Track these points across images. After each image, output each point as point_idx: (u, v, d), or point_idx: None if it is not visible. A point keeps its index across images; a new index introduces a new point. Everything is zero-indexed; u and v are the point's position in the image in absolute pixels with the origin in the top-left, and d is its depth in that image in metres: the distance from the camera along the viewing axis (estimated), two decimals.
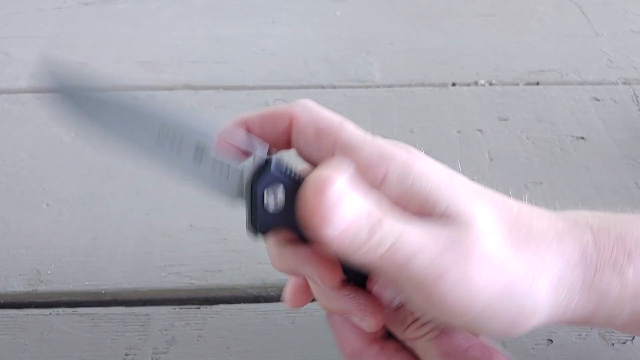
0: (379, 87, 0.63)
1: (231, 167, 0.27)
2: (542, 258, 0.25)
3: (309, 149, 0.27)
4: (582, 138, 0.57)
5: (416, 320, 0.28)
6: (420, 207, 0.24)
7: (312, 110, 0.27)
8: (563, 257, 0.25)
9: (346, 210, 0.22)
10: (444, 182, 0.25)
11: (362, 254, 0.23)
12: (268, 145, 0.27)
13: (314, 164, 0.27)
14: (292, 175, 0.27)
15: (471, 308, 0.24)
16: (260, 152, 0.27)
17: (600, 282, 0.25)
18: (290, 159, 0.28)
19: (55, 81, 0.26)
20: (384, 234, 0.23)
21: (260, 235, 0.27)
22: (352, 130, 0.26)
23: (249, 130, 0.28)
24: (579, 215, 0.27)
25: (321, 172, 0.23)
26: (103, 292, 0.44)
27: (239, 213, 0.51)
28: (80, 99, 0.26)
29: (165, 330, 0.42)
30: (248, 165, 0.27)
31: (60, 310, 0.43)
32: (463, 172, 0.27)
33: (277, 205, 0.26)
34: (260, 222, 0.27)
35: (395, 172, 0.24)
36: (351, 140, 0.25)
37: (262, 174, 0.27)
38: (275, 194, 0.26)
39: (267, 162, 0.27)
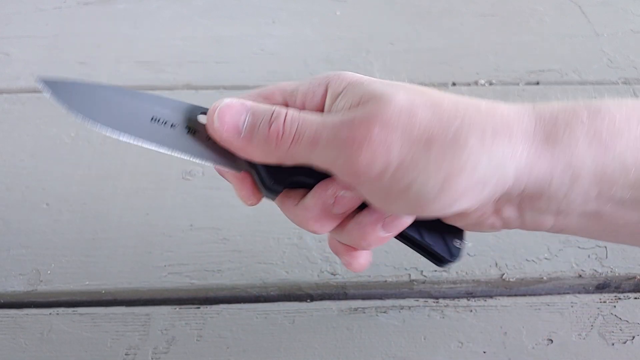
0: None
1: None
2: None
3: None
4: None
5: None
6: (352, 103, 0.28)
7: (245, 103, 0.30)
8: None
9: (230, 113, 0.28)
10: (374, 82, 0.28)
11: (275, 149, 0.27)
12: None
13: None
14: None
15: (385, 170, 0.26)
16: None
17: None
18: None
19: (53, 83, 0.28)
20: (286, 124, 0.27)
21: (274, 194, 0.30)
22: (286, 84, 0.30)
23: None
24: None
25: (215, 104, 0.29)
26: (103, 292, 0.44)
27: (239, 213, 0.51)
28: (73, 92, 0.28)
29: (166, 330, 0.42)
30: None
31: (60, 310, 0.43)
32: None
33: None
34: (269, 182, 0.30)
35: (332, 85, 0.28)
36: (292, 87, 0.30)
37: None
38: None
39: None
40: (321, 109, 0.29)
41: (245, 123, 0.28)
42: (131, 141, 0.28)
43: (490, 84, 0.63)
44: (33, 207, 0.50)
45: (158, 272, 0.45)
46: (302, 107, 0.29)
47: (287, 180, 0.29)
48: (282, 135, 0.27)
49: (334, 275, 0.45)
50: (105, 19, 0.73)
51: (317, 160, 0.27)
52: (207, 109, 0.29)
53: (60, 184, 0.52)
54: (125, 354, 0.40)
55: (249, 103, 0.28)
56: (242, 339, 0.41)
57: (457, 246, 0.32)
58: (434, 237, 0.31)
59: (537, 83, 0.63)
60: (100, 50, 0.68)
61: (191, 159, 0.29)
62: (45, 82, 0.28)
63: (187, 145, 0.29)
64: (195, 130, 0.29)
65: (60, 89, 0.28)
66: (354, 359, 0.40)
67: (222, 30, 0.71)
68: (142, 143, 0.28)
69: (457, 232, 0.32)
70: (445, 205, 0.26)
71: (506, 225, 0.29)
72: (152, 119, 0.28)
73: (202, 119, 0.29)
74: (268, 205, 0.51)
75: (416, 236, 0.31)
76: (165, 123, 0.29)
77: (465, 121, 0.26)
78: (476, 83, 0.64)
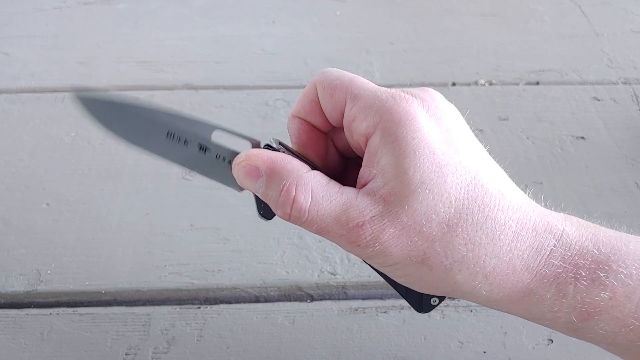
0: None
1: (232, 151, 0.30)
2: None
3: (329, 109, 0.29)
4: (582, 138, 0.57)
5: None
6: (376, 173, 0.26)
7: (326, 73, 0.29)
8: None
9: (246, 177, 0.28)
10: (408, 163, 0.25)
11: (281, 216, 0.28)
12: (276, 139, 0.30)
13: (338, 125, 0.30)
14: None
15: (383, 265, 0.27)
16: (255, 141, 0.30)
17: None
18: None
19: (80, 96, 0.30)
20: (293, 211, 0.27)
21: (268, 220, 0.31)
22: (361, 83, 0.28)
23: (303, 120, 0.31)
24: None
25: (240, 155, 0.29)
26: (103, 292, 0.44)
27: (239, 213, 0.51)
28: (95, 104, 0.30)
29: (166, 330, 0.42)
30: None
31: (60, 310, 0.43)
32: None
33: None
34: (264, 211, 0.30)
35: (379, 131, 0.26)
36: (359, 91, 0.28)
37: None
38: None
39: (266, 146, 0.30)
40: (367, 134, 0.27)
41: (260, 190, 0.28)
42: (147, 154, 0.30)
43: (490, 84, 0.63)
44: (33, 207, 0.50)
45: (158, 272, 0.45)
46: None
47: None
48: (289, 218, 0.27)
49: (334, 275, 0.45)
50: (105, 19, 0.73)
51: (327, 238, 0.28)
52: (219, 127, 0.30)
53: (60, 184, 0.52)
54: (126, 354, 0.40)
55: (266, 166, 0.27)
56: (242, 339, 0.41)
57: (432, 303, 0.31)
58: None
59: (537, 83, 0.63)
60: (100, 50, 0.68)
61: (198, 174, 0.31)
62: (76, 95, 0.29)
63: (197, 162, 0.30)
64: (207, 148, 0.30)
65: (89, 102, 0.30)
66: (354, 359, 0.40)
67: (222, 30, 0.71)
68: (157, 157, 0.30)
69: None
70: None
71: None
72: (167, 134, 0.30)
73: (214, 136, 0.30)
74: None
75: (394, 284, 0.30)
76: (179, 139, 0.30)
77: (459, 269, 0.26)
78: (476, 83, 0.64)
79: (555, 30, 0.71)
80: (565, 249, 0.26)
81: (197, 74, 0.64)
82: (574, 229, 0.27)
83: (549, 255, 0.26)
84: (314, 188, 0.26)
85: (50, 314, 0.43)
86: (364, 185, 0.27)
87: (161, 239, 0.48)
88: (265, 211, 0.29)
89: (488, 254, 0.26)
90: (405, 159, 0.25)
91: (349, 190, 0.27)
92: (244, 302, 0.44)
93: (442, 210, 0.25)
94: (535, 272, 0.26)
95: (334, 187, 0.27)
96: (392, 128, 0.26)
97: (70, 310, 0.43)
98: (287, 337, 0.41)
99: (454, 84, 0.63)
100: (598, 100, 0.61)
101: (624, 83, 0.63)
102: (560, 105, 0.61)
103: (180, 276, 0.45)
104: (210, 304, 0.44)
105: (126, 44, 0.69)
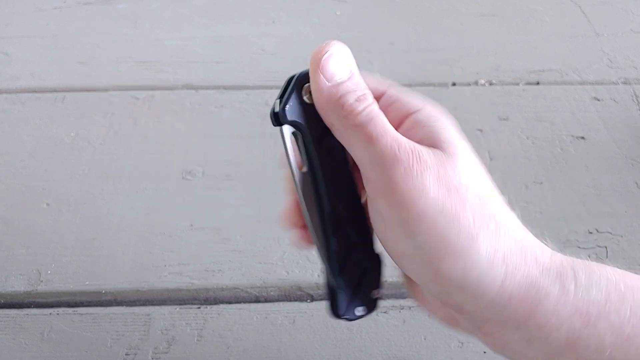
0: None
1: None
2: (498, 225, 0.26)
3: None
4: (582, 138, 0.57)
5: None
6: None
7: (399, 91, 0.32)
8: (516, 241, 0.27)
9: (340, 64, 0.27)
10: (453, 134, 0.28)
11: (345, 115, 0.27)
12: None
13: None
14: None
15: (412, 207, 0.25)
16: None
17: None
18: None
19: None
20: (369, 106, 0.27)
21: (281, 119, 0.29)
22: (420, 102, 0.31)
23: None
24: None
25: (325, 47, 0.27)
26: (103, 292, 0.44)
27: (239, 213, 0.51)
28: None
29: (166, 330, 0.42)
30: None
31: (61, 310, 0.43)
32: None
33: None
34: (294, 105, 0.29)
35: (426, 107, 0.29)
36: (419, 102, 0.31)
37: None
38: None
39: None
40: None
41: (342, 79, 0.27)
42: None
43: (490, 84, 0.63)
44: (33, 207, 0.50)
45: (158, 272, 0.45)
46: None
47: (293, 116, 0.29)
48: (357, 113, 0.27)
49: None
50: (105, 19, 0.73)
51: (357, 153, 0.27)
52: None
53: (60, 184, 0.52)
54: (126, 354, 0.40)
55: (355, 69, 0.28)
56: (242, 339, 0.41)
57: (358, 314, 0.29)
58: (351, 285, 0.29)
59: (537, 83, 0.63)
60: (100, 50, 0.68)
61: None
62: None
63: None
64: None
65: None
66: (354, 359, 0.40)
67: (222, 30, 0.71)
68: None
69: (372, 303, 0.30)
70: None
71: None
72: None
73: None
74: (268, 205, 0.51)
75: (333, 267, 0.28)
76: None
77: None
78: (476, 83, 0.64)
79: (555, 30, 0.71)
80: (561, 256, 0.27)
81: (197, 74, 0.64)
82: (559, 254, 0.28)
83: (551, 255, 0.27)
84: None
85: (50, 314, 0.43)
86: None
87: (161, 239, 0.48)
88: (293, 108, 0.29)
89: (507, 234, 0.26)
90: (452, 131, 0.28)
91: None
92: (244, 302, 0.44)
93: (477, 184, 0.27)
94: (541, 265, 0.27)
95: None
96: (442, 116, 0.28)
97: (70, 310, 0.43)
98: (287, 337, 0.42)
99: (454, 84, 0.63)
100: (598, 100, 0.61)
101: (624, 83, 0.63)
102: (560, 105, 0.61)
103: (180, 276, 0.45)
104: (210, 304, 0.44)
105: (126, 44, 0.69)
